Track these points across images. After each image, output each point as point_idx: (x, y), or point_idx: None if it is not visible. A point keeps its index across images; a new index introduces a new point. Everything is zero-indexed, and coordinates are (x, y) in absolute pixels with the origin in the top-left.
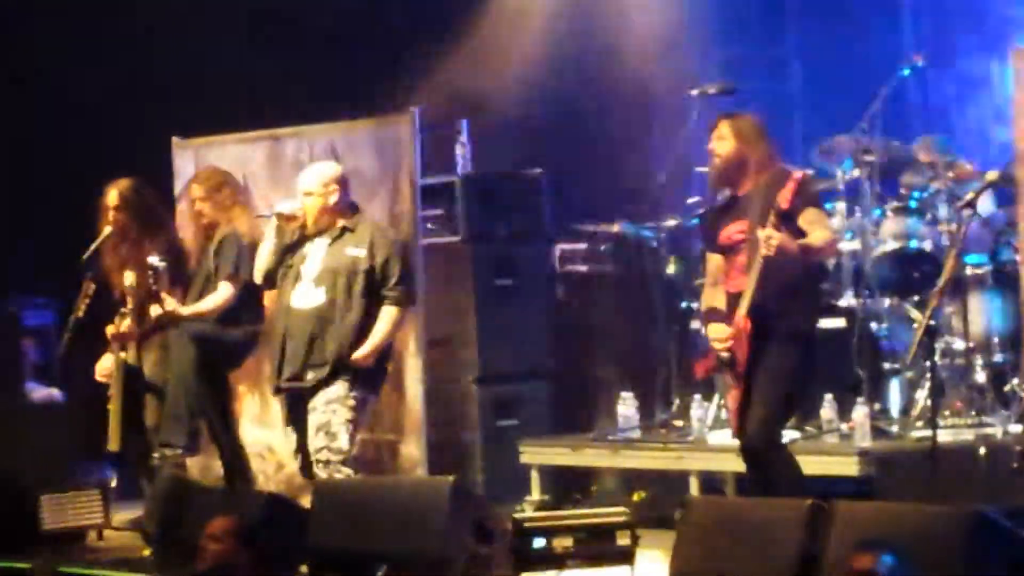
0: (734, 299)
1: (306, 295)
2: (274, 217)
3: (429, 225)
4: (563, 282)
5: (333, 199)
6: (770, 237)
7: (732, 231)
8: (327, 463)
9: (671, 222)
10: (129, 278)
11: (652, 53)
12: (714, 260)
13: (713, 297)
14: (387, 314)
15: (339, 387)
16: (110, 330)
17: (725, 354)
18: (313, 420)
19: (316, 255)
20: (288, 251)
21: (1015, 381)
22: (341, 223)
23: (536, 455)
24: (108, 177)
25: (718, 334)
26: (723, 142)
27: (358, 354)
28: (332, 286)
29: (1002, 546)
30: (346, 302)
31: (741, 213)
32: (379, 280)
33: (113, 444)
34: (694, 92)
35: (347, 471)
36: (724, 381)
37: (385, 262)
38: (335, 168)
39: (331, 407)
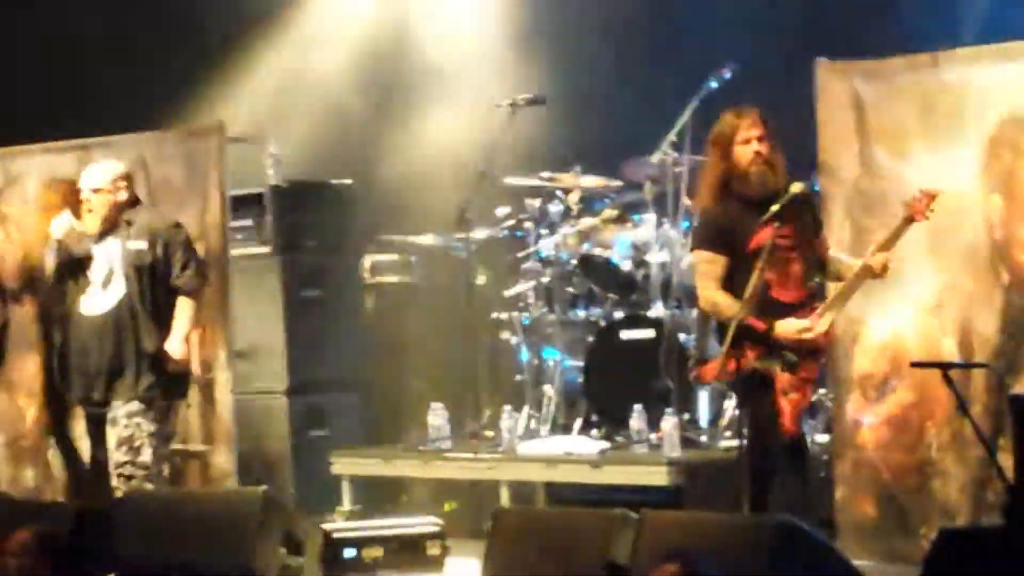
0: (784, 308)
1: (95, 300)
2: (54, 242)
3: (238, 236)
4: (373, 293)
5: (123, 195)
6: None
7: (769, 235)
8: (130, 478)
9: (480, 233)
10: None
11: (462, 62)
12: (719, 262)
13: (730, 300)
14: (183, 305)
15: (142, 398)
16: None
17: (819, 340)
18: (115, 433)
19: (101, 257)
20: (81, 260)
21: (822, 391)
22: (124, 219)
23: (347, 465)
24: None
25: (800, 326)
26: (766, 143)
27: (170, 348)
28: (121, 287)
29: (807, 554)
30: (138, 301)
31: (777, 217)
32: (165, 270)
33: None
34: (504, 103)
35: (150, 487)
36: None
37: (167, 249)
38: (121, 166)
39: (134, 420)
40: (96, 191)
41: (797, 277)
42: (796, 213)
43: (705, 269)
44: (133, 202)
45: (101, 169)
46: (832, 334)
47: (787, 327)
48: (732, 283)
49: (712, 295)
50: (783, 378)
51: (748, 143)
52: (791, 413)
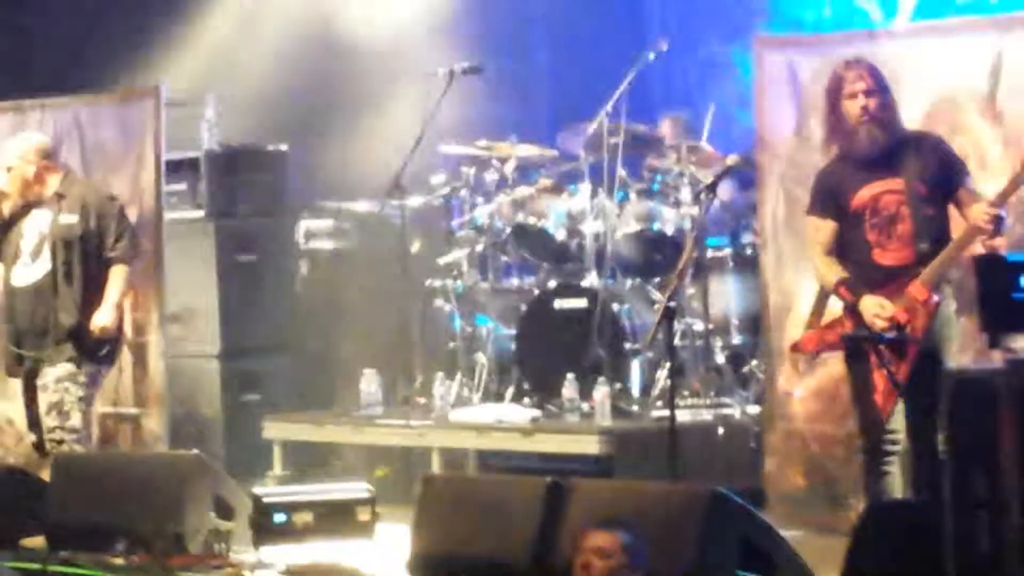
0: (886, 272)
1: (25, 271)
2: None
3: (173, 200)
4: (307, 258)
5: (33, 171)
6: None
7: (877, 191)
8: (60, 442)
9: (415, 201)
10: None
11: (400, 31)
12: (826, 227)
13: (832, 268)
14: (116, 273)
15: (69, 364)
16: None
17: (887, 330)
18: (44, 399)
19: (32, 228)
20: (7, 226)
21: (753, 362)
22: (54, 191)
23: (279, 430)
24: None
25: (880, 309)
26: (875, 98)
27: (99, 318)
28: (50, 258)
29: (736, 524)
30: (66, 273)
31: (884, 172)
32: (97, 243)
33: None
34: (440, 70)
35: (80, 449)
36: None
37: (99, 223)
38: (36, 139)
39: (62, 385)
40: (8, 168)
41: (904, 237)
42: (907, 164)
43: (812, 235)
44: (51, 173)
45: (13, 144)
46: (930, 304)
47: (868, 305)
48: (842, 246)
49: (815, 261)
50: (878, 351)
51: (855, 97)
52: (885, 388)
